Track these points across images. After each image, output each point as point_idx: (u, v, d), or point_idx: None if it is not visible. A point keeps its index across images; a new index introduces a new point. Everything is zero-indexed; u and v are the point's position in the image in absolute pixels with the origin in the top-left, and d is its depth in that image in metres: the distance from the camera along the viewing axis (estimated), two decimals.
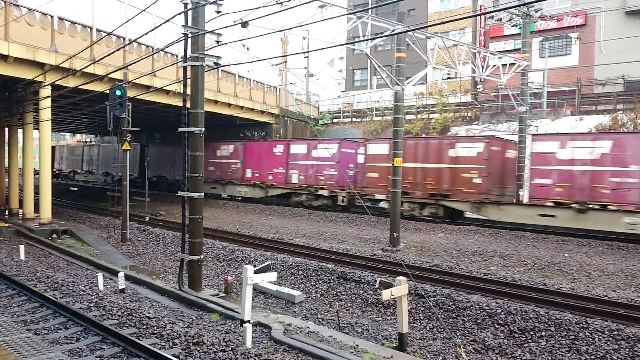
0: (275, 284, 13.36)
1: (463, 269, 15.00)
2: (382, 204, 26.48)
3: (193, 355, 7.92)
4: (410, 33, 18.84)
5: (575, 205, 19.17)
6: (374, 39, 18.98)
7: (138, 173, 42.91)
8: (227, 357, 7.80)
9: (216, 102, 29.81)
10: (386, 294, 9.13)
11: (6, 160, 28.18)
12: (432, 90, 43.51)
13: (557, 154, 19.94)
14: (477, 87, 41.37)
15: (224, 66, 13.68)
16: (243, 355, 7.80)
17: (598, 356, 9.24)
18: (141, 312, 9.88)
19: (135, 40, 19.27)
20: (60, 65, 19.67)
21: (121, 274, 12.92)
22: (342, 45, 14.83)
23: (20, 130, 27.20)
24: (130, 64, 19.01)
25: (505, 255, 16.86)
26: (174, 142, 40.77)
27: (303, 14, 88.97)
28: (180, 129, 12.43)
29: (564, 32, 38.76)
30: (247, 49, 21.62)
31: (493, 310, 11.13)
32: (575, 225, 19.30)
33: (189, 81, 12.46)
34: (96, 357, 7.84)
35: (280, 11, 12.58)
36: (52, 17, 20.53)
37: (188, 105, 12.45)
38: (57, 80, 19.90)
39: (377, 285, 10.73)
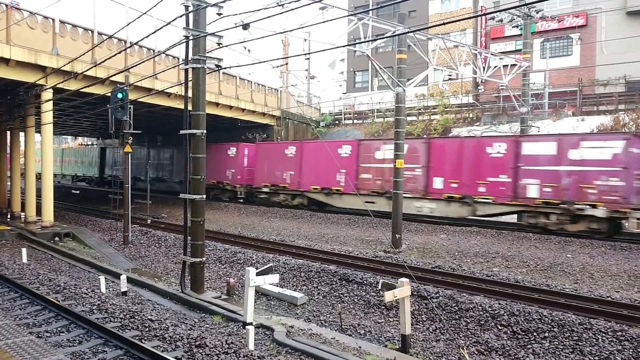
0: (277, 286, 13.34)
1: (465, 270, 14.98)
2: None
3: (196, 357, 7.91)
4: (411, 34, 18.85)
5: (387, 194, 24.27)
6: (375, 40, 18.98)
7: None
8: (229, 359, 7.79)
9: (217, 104, 29.82)
10: (389, 296, 9.11)
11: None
12: (433, 91, 43.51)
13: (375, 155, 25.66)
14: (479, 88, 41.51)
15: (225, 68, 13.69)
16: (246, 358, 7.79)
17: (602, 357, 9.22)
18: (143, 315, 9.87)
19: (136, 43, 19.30)
20: (62, 68, 19.70)
21: (123, 277, 12.92)
22: (343, 46, 14.84)
23: (21, 134, 27.22)
24: (132, 67, 19.03)
25: (508, 257, 16.83)
26: (176, 144, 40.90)
27: (304, 15, 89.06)
28: (181, 131, 12.43)
29: (565, 32, 38.74)
30: (249, 51, 21.68)
31: (496, 312, 11.11)
32: (389, 209, 21.79)
33: (190, 83, 12.47)
34: (98, 359, 7.84)
35: (281, 13, 12.58)
36: (53, 20, 20.56)
37: (189, 107, 12.46)
38: (58, 83, 19.93)
39: (379, 287, 10.70)
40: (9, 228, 21.70)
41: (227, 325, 10.24)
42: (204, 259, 12.73)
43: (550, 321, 10.45)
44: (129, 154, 20.81)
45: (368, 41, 17.69)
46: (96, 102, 23.44)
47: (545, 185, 20.16)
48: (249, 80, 33.61)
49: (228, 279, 14.15)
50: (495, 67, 24.64)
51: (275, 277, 10.56)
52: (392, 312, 11.97)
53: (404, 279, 9.47)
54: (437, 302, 11.95)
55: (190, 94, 12.45)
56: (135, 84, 21.11)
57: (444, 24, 9.88)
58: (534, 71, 33.18)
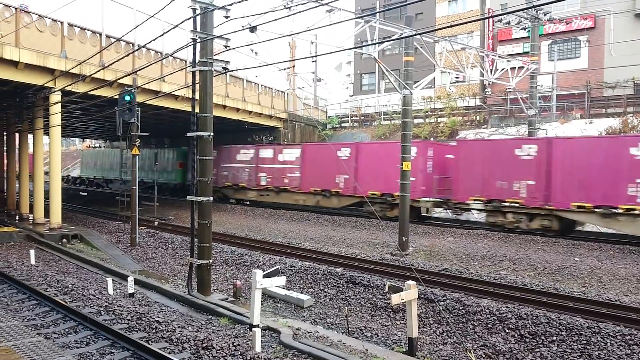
0: (284, 288, 13.35)
1: (473, 273, 14.92)
2: None
3: (202, 359, 7.92)
4: (418, 37, 18.83)
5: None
6: (381, 43, 18.97)
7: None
8: None
9: (224, 106, 29.91)
10: (395, 298, 9.08)
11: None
12: (440, 94, 43.43)
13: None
14: (486, 90, 41.41)
15: (232, 71, 13.71)
16: None
17: None
18: (150, 317, 9.90)
19: (144, 46, 19.42)
20: (70, 71, 19.82)
21: (130, 279, 12.95)
22: (350, 49, 14.84)
23: (27, 136, 27.38)
24: (139, 70, 19.13)
25: (515, 260, 16.75)
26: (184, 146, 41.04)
27: (311, 18, 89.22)
28: (189, 134, 12.47)
29: (573, 35, 38.60)
30: (256, 53, 21.73)
31: (503, 315, 11.06)
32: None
33: (197, 86, 12.51)
34: None
35: (288, 16, 12.63)
36: (62, 23, 20.69)
37: (197, 110, 12.50)
38: (67, 86, 20.05)
39: (386, 290, 10.69)
40: (18, 230, 21.83)
41: (233, 327, 10.24)
42: (210, 261, 12.75)
43: (558, 325, 10.39)
44: (137, 157, 20.90)
45: (375, 44, 17.71)
46: (104, 105, 23.56)
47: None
48: (255, 83, 33.68)
49: (235, 281, 14.16)
50: (503, 69, 24.57)
51: (281, 280, 10.56)
52: (399, 315, 11.93)
53: (410, 282, 9.45)
54: (444, 305, 11.91)
55: (197, 97, 12.49)
56: (142, 86, 21.20)
57: (451, 26, 9.86)
58: (541, 73, 33.05)
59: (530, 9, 23.70)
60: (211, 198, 12.63)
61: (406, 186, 18.51)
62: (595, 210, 19.03)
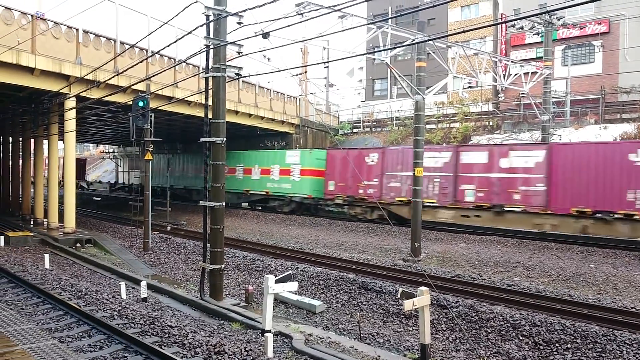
0: (296, 293, 13.34)
1: (486, 279, 14.82)
2: None
3: None
4: (430, 42, 18.80)
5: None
6: (394, 48, 18.97)
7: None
8: None
9: (237, 112, 30.03)
10: (408, 305, 9.04)
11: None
12: (452, 99, 43.27)
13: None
14: (499, 95, 41.21)
15: (245, 77, 13.81)
16: None
17: None
18: (163, 321, 9.94)
19: (157, 52, 19.56)
20: (85, 77, 20.02)
21: (143, 283, 13.02)
22: (362, 55, 14.86)
23: (42, 141, 27.68)
24: (153, 76, 19.28)
25: (529, 266, 16.61)
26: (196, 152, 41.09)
27: (323, 24, 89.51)
28: (201, 139, 12.54)
29: (587, 39, 38.32)
30: (268, 59, 21.77)
31: (517, 322, 10.96)
32: None
33: (210, 92, 12.58)
34: None
35: (300, 22, 12.68)
36: (77, 30, 20.92)
37: (209, 115, 12.57)
38: (81, 92, 20.26)
39: (398, 296, 10.64)
40: (32, 234, 22.05)
41: (245, 332, 10.25)
42: (223, 266, 12.78)
43: (572, 332, 10.28)
44: (150, 162, 21.05)
45: (387, 49, 17.70)
46: (118, 111, 23.78)
47: None
48: (268, 89, 33.80)
49: (247, 286, 14.19)
50: (516, 74, 24.44)
51: (293, 285, 10.55)
52: (412, 321, 11.88)
53: (423, 288, 9.40)
54: (457, 312, 11.84)
55: (210, 102, 12.56)
56: (156, 92, 21.36)
57: (464, 31, 9.83)
58: (555, 79, 32.82)
59: (543, 14, 23.58)
60: (223, 203, 12.68)
61: (418, 192, 18.44)
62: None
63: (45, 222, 24.90)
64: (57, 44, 20.22)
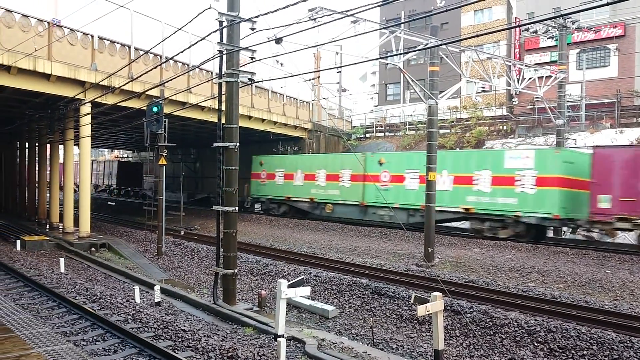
0: (308, 298, 13.33)
1: (500, 285, 14.69)
2: None
3: None
4: (443, 46, 18.76)
5: None
6: (407, 53, 18.96)
7: None
8: None
9: (250, 117, 30.16)
10: (421, 310, 8.99)
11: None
12: (466, 103, 43.14)
13: None
14: (513, 100, 40.96)
15: (258, 82, 13.87)
16: None
17: None
18: (177, 325, 9.98)
19: (171, 58, 19.75)
20: (100, 83, 20.24)
21: (157, 287, 13.10)
22: (375, 59, 14.85)
23: (58, 146, 27.98)
24: (167, 81, 19.43)
25: (544, 272, 16.44)
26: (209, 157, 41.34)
27: (336, 29, 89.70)
28: (215, 144, 12.60)
29: (602, 43, 37.99)
30: (281, 64, 21.82)
31: (532, 328, 10.85)
32: None
33: (223, 97, 12.65)
34: None
35: (313, 27, 12.71)
36: (92, 36, 21.18)
37: (223, 120, 12.63)
38: (97, 98, 20.48)
39: (412, 301, 10.59)
40: (48, 238, 22.27)
41: (258, 337, 10.26)
42: (236, 270, 12.81)
43: (589, 339, 10.15)
44: (164, 167, 21.19)
45: (400, 54, 17.69)
46: (132, 116, 23.97)
47: None
48: (280, 94, 33.91)
49: (259, 290, 14.20)
50: (530, 78, 24.29)
51: (306, 290, 10.55)
52: (425, 327, 11.81)
53: (437, 293, 9.34)
54: (471, 317, 11.75)
55: (223, 108, 12.63)
56: (170, 97, 21.53)
57: (477, 35, 9.80)
58: (570, 83, 32.58)
59: (557, 18, 23.43)
60: (237, 208, 12.72)
61: (432, 197, 18.35)
62: None
63: (60, 227, 25.16)
64: (73, 50, 20.47)
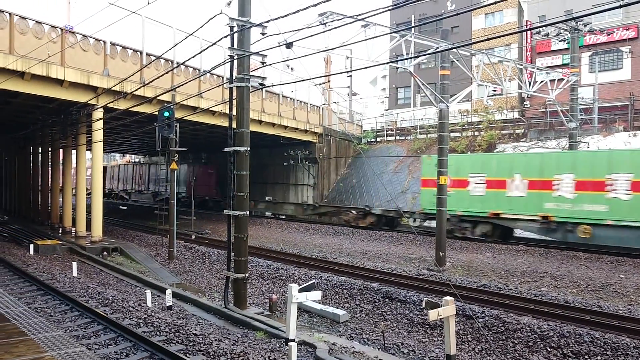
0: (319, 302, 13.30)
1: (512, 289, 14.57)
2: None
3: None
4: (454, 50, 18.70)
5: None
6: (417, 57, 18.92)
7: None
8: None
9: (260, 122, 30.25)
10: (433, 314, 8.93)
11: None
12: (477, 107, 42.93)
13: None
14: (524, 103, 40.73)
15: (268, 86, 13.90)
16: None
17: None
18: (188, 329, 10.00)
19: (182, 63, 19.86)
20: (112, 88, 20.42)
21: (169, 292, 13.15)
22: (386, 64, 14.84)
23: (71, 151, 28.22)
24: (178, 86, 19.58)
25: (557, 276, 16.30)
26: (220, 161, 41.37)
27: (346, 33, 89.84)
28: (226, 149, 12.65)
29: (615, 45, 37.70)
30: (292, 69, 21.97)
31: (545, 333, 10.75)
32: None
33: (234, 102, 12.70)
34: None
35: (323, 32, 12.73)
36: (104, 42, 21.38)
37: (234, 125, 12.68)
38: (109, 103, 20.65)
39: (423, 305, 10.52)
40: (61, 242, 22.45)
41: (269, 341, 10.25)
42: (247, 274, 12.83)
43: (602, 344, 10.03)
44: (175, 171, 21.30)
45: (410, 58, 17.67)
46: (144, 121, 24.14)
47: None
48: (291, 98, 33.98)
49: (270, 295, 14.21)
50: (542, 81, 24.15)
51: (317, 294, 10.52)
52: (437, 332, 11.74)
53: (448, 298, 9.28)
54: (483, 322, 11.66)
55: (234, 112, 12.67)
56: (181, 102, 21.66)
57: (488, 39, 9.76)
58: (582, 85, 32.33)
59: (569, 21, 23.29)
60: (247, 212, 12.75)
61: (443, 201, 18.29)
62: None
63: (73, 231, 25.36)
64: (86, 56, 20.67)
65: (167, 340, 9.46)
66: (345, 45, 13.49)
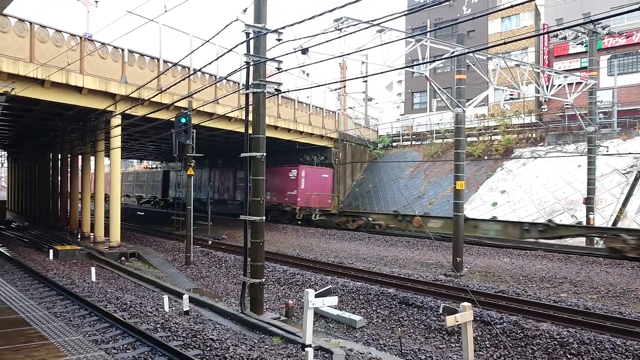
0: (336, 308, 13.27)
1: (531, 295, 14.40)
2: None
3: None
4: (470, 54, 18.61)
5: None
6: (433, 61, 18.87)
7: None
8: None
9: (276, 127, 30.35)
10: (450, 320, 8.87)
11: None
12: (494, 111, 42.65)
13: None
14: (542, 107, 40.36)
15: (284, 92, 13.97)
16: None
17: None
18: (205, 334, 10.04)
19: (199, 70, 20.03)
20: (130, 95, 20.64)
21: (185, 297, 13.21)
22: (401, 68, 14.82)
23: (89, 158, 28.53)
24: (195, 93, 19.72)
25: (576, 282, 16.07)
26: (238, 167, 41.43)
27: (361, 38, 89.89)
28: (242, 154, 12.71)
29: (634, 48, 37.23)
30: (307, 74, 22.01)
31: (565, 340, 10.60)
32: None
33: (250, 108, 12.76)
34: None
35: (339, 37, 12.74)
36: (122, 50, 21.64)
37: (250, 131, 12.74)
38: (127, 110, 20.87)
39: (440, 311, 10.45)
40: (80, 248, 22.70)
41: (286, 346, 10.25)
42: (263, 280, 12.85)
43: (624, 351, 9.86)
44: (192, 177, 21.44)
45: (426, 62, 17.62)
46: (161, 127, 24.37)
47: None
48: (307, 104, 34.06)
49: (287, 300, 14.20)
50: (560, 85, 23.91)
51: (334, 299, 10.51)
52: (454, 338, 11.64)
53: (466, 304, 9.20)
54: (501, 328, 11.54)
55: (250, 118, 12.74)
56: (197, 109, 21.82)
57: (504, 43, 9.69)
58: (601, 89, 31.98)
59: (587, 24, 23.05)
60: (264, 217, 12.78)
61: (460, 206, 18.17)
62: None
63: (91, 236, 25.63)
64: (104, 63, 20.94)
65: (184, 345, 9.50)
66: (360, 51, 13.48)
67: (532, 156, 32.38)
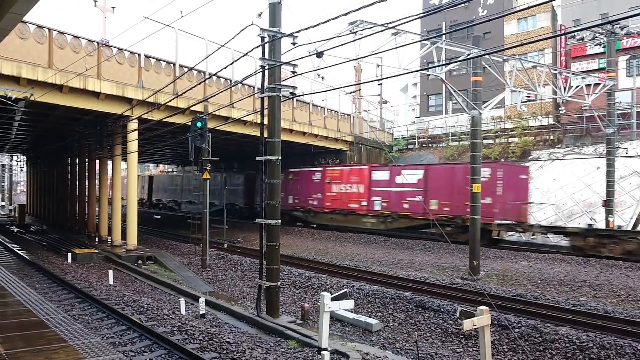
0: (352, 311, 13.23)
1: (549, 299, 14.22)
2: None
3: None
4: (486, 56, 18.49)
5: None
6: (448, 64, 18.77)
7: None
8: None
9: (291, 130, 30.41)
10: (467, 324, 8.78)
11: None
12: (510, 113, 42.31)
13: None
14: (559, 109, 39.95)
15: (299, 96, 13.96)
16: None
17: None
18: (221, 337, 10.07)
19: (215, 74, 20.15)
20: (147, 99, 20.82)
21: (202, 300, 13.27)
22: (416, 71, 14.77)
23: (107, 162, 28.80)
24: (210, 97, 19.84)
25: (596, 286, 15.84)
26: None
27: (376, 41, 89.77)
28: (257, 158, 12.75)
29: None
30: (322, 78, 22.02)
31: (584, 344, 10.44)
32: None
33: (265, 111, 12.80)
34: None
35: (354, 40, 12.74)
36: (139, 55, 21.86)
37: (265, 134, 12.77)
38: (143, 114, 21.07)
39: (457, 315, 10.36)
40: (97, 251, 22.92)
41: (302, 350, 10.24)
42: (279, 283, 12.85)
43: None
44: (207, 181, 21.55)
45: (441, 65, 17.54)
46: (177, 131, 24.53)
47: None
48: (321, 107, 34.08)
49: (302, 303, 14.20)
50: (577, 86, 23.64)
51: (349, 303, 10.47)
52: (471, 342, 11.53)
53: (483, 307, 9.10)
54: (519, 333, 11.41)
55: (265, 122, 12.77)
56: (213, 113, 21.94)
57: (521, 44, 9.59)
58: (620, 90, 31.57)
59: (605, 24, 22.78)
60: (279, 220, 12.79)
61: (476, 208, 18.03)
62: None
63: (109, 240, 25.88)
64: (121, 69, 21.17)
65: (200, 348, 9.54)
66: (375, 54, 13.46)
67: (550, 158, 32.07)
